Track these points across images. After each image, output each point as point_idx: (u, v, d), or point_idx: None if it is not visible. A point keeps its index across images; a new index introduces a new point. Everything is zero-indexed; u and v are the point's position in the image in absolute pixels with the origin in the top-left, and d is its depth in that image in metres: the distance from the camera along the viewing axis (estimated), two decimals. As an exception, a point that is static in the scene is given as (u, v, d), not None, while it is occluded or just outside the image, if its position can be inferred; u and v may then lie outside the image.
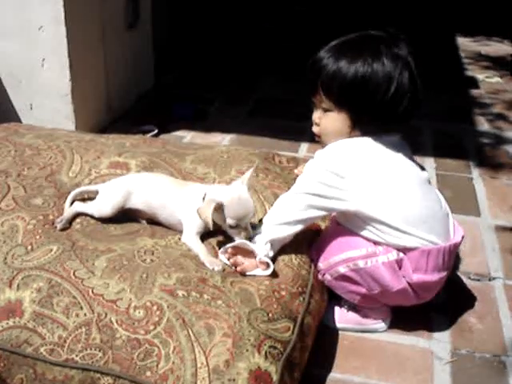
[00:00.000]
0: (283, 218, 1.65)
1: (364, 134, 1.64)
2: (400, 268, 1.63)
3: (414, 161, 1.70)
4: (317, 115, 1.69)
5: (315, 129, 1.72)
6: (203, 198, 1.65)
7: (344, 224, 1.69)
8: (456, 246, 1.70)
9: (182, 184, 1.82)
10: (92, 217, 1.77)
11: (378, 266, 1.61)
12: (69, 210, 1.77)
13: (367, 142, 1.63)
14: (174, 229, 1.74)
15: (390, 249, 1.62)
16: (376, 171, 1.60)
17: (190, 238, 1.66)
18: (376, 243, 1.63)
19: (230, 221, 1.61)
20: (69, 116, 2.81)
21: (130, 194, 1.77)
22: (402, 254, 1.62)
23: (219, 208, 1.59)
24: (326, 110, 1.66)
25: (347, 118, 1.62)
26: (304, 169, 1.70)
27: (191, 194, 1.72)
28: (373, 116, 1.60)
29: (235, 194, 1.62)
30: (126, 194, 1.76)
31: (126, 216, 1.78)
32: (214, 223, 1.61)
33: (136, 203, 1.77)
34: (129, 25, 3.26)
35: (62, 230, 1.71)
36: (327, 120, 1.66)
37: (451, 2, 5.93)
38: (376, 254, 1.61)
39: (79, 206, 1.79)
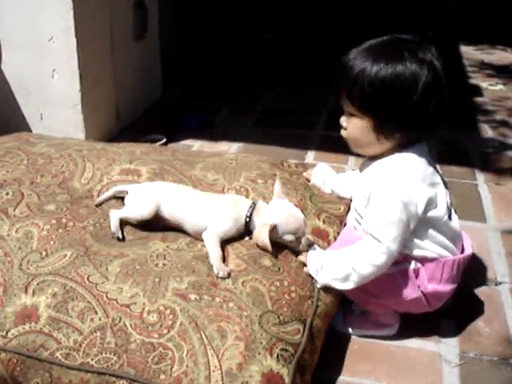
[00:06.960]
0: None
1: (399, 145, 1.60)
2: (416, 277, 1.64)
3: (437, 169, 1.70)
4: (343, 119, 1.66)
5: (343, 133, 1.69)
6: (248, 217, 1.69)
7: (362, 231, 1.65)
8: (469, 258, 1.71)
9: (208, 195, 1.84)
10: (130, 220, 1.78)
11: (394, 274, 1.63)
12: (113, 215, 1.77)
13: (412, 158, 1.60)
14: (200, 239, 1.73)
15: (409, 258, 1.63)
16: (426, 191, 1.58)
17: (211, 237, 1.66)
18: None
19: (288, 237, 1.65)
20: (78, 126, 2.84)
21: (159, 204, 1.77)
22: (419, 264, 1.63)
23: (273, 229, 1.63)
24: (350, 114, 1.63)
25: (370, 124, 1.59)
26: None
27: (222, 200, 1.76)
28: (396, 123, 1.56)
29: (284, 211, 1.66)
30: (156, 202, 1.77)
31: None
32: (272, 243, 1.64)
33: (164, 214, 1.77)
34: (137, 36, 3.30)
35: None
36: (351, 125, 1.64)
37: (455, 11, 5.97)
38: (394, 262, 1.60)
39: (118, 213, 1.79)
